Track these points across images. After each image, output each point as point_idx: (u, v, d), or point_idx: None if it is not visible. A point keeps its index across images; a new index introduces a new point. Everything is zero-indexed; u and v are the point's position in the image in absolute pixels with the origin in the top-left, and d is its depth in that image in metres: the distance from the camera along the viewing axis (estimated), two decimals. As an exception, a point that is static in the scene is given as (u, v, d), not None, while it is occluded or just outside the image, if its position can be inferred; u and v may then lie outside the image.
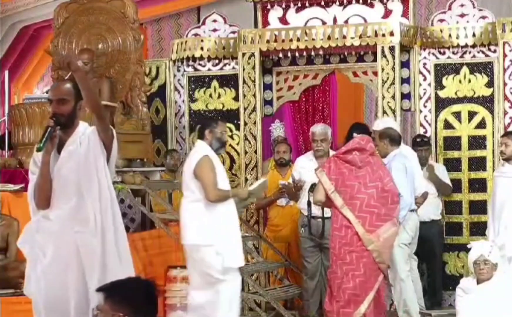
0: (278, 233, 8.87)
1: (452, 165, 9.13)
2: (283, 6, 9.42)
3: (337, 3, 9.27)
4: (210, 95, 9.73)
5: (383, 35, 8.94)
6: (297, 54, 9.25)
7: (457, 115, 9.14)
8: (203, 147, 7.09)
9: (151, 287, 3.64)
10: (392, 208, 6.95)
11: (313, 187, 7.67)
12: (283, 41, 9.18)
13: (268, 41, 9.22)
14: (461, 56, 9.13)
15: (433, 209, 8.75)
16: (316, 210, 7.97)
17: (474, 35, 9.02)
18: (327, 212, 7.74)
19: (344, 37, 9.02)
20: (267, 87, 9.54)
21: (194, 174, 6.93)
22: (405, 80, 9.15)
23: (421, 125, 9.18)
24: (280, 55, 9.32)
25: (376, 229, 6.84)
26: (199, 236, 6.93)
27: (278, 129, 9.99)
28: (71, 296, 4.94)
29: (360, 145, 7.05)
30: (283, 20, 9.44)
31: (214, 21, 9.77)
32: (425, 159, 8.86)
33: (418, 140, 8.94)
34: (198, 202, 6.95)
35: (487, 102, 9.07)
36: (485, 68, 9.08)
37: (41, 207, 5.02)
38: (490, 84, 9.06)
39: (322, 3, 9.32)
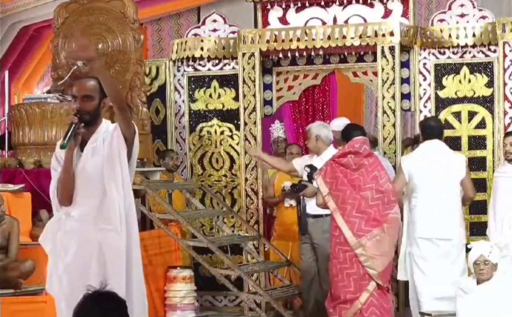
0: (287, 230, 8.89)
1: (452, 165, 9.13)
2: (283, 6, 9.42)
3: (337, 3, 9.27)
4: (210, 95, 9.73)
5: (383, 35, 8.94)
6: (297, 54, 9.25)
7: (457, 115, 9.14)
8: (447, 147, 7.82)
9: (108, 299, 3.62)
10: (388, 208, 6.99)
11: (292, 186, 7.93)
12: (283, 41, 9.18)
13: (268, 41, 9.22)
14: (461, 56, 9.13)
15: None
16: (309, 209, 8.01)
17: (474, 35, 9.03)
18: (317, 210, 7.77)
19: (344, 37, 9.03)
20: (267, 87, 9.54)
21: (465, 174, 7.68)
22: (405, 80, 9.16)
23: (421, 125, 9.18)
24: (280, 55, 9.33)
25: (364, 234, 6.88)
26: (462, 233, 7.70)
27: (278, 130, 9.99)
28: None
29: (354, 149, 7.10)
30: (283, 20, 9.44)
31: (214, 21, 9.77)
32: None
33: (416, 136, 8.97)
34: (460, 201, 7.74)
35: (487, 102, 9.07)
36: (485, 68, 9.08)
37: (64, 204, 4.98)
38: (490, 84, 9.06)
39: (322, 3, 9.32)
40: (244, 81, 9.35)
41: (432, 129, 7.81)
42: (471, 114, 9.13)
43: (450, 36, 9.08)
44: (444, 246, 7.51)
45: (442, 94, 9.18)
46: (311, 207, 7.91)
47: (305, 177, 7.96)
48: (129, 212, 5.03)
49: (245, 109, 9.37)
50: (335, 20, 9.30)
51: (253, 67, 9.30)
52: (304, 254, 8.14)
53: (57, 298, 5.05)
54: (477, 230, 8.97)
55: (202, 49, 9.62)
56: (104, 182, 4.94)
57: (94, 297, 3.60)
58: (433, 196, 7.57)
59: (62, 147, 4.87)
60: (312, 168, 7.90)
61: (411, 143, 9.28)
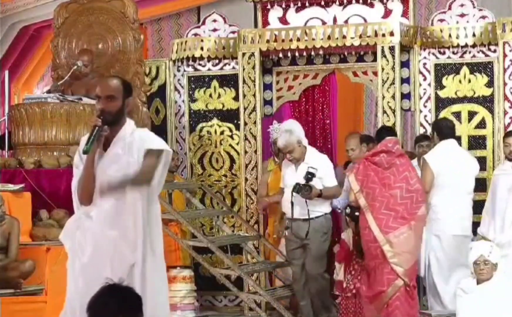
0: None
1: (452, 165, 9.13)
2: (283, 6, 9.42)
3: (337, 3, 9.27)
4: (210, 95, 9.73)
5: (383, 35, 8.94)
6: (297, 54, 9.26)
7: (457, 115, 9.14)
8: None
9: (125, 293, 3.65)
10: (416, 207, 7.34)
11: (296, 188, 7.77)
12: (283, 41, 9.18)
13: (268, 41, 9.23)
14: (461, 56, 9.13)
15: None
16: (297, 213, 7.87)
17: (474, 35, 9.03)
18: (313, 213, 7.81)
19: (344, 37, 9.03)
20: (267, 87, 9.54)
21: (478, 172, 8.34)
22: (405, 80, 9.16)
23: (421, 125, 9.19)
24: (280, 55, 9.33)
25: (392, 231, 7.21)
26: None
27: (276, 131, 9.96)
28: None
29: (387, 148, 7.43)
30: (283, 20, 9.44)
31: (214, 21, 9.77)
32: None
33: (418, 136, 9.00)
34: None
35: (487, 102, 9.07)
36: (485, 68, 9.08)
37: (84, 203, 4.94)
38: (490, 84, 9.06)
39: (322, 3, 9.32)
40: (244, 81, 9.35)
41: (450, 129, 8.35)
42: (471, 114, 9.13)
43: (450, 36, 9.08)
44: (466, 242, 7.89)
45: (442, 94, 9.18)
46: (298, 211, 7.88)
47: (303, 181, 7.86)
48: (148, 223, 4.97)
49: (245, 109, 9.37)
50: (335, 20, 9.30)
51: (253, 67, 9.30)
52: (296, 259, 8.04)
53: (71, 298, 4.98)
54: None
55: (202, 49, 9.62)
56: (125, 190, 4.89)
57: (111, 289, 3.63)
58: (455, 194, 8.03)
59: (85, 152, 4.81)
60: (311, 173, 7.81)
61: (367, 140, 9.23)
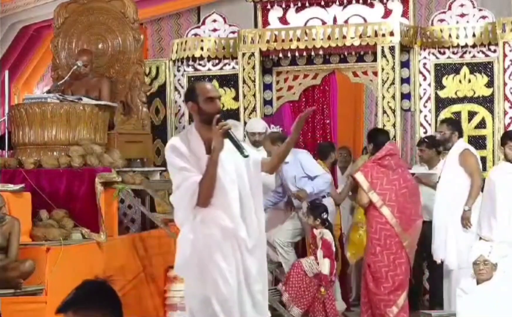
0: None
1: (452, 165, 9.12)
2: (283, 6, 9.43)
3: (337, 3, 9.28)
4: (210, 95, 9.72)
5: (383, 35, 8.95)
6: (297, 54, 9.26)
7: (457, 115, 9.14)
8: None
9: (105, 286, 3.65)
10: (417, 202, 7.81)
11: None
12: (283, 41, 9.19)
13: (268, 41, 9.23)
14: (461, 56, 9.13)
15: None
16: None
17: (474, 35, 9.03)
18: None
19: (344, 37, 9.03)
20: (267, 87, 9.55)
21: None
22: (405, 80, 9.16)
23: (421, 125, 9.19)
24: (280, 55, 9.33)
25: (409, 228, 7.66)
26: None
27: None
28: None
29: (392, 151, 7.76)
30: (283, 20, 9.45)
31: (214, 21, 9.78)
32: (423, 159, 8.82)
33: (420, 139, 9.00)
34: None
35: (487, 102, 9.08)
36: (485, 68, 9.08)
37: (205, 205, 4.95)
38: (490, 84, 9.06)
39: (322, 3, 9.33)
40: (244, 81, 9.35)
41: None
42: (471, 114, 9.13)
43: (450, 36, 9.08)
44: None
45: (442, 94, 9.18)
46: None
47: None
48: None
49: (245, 109, 9.37)
50: (335, 20, 9.30)
51: (253, 67, 9.30)
52: None
53: (225, 299, 5.02)
54: (477, 230, 8.97)
55: (202, 49, 9.63)
56: (240, 192, 4.99)
57: (86, 283, 3.62)
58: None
59: (246, 156, 4.89)
60: None
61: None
